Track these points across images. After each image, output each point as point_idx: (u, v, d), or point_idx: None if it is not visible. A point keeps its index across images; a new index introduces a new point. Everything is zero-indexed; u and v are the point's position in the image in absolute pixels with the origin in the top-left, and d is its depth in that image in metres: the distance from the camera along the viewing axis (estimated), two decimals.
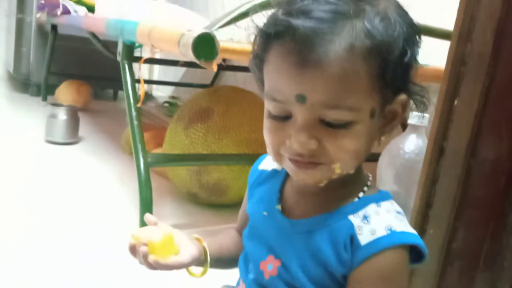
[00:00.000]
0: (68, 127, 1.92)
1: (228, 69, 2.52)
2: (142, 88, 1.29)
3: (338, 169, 0.44)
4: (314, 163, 0.44)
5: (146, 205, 1.16)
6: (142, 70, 2.47)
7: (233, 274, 0.57)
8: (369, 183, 0.49)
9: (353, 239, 0.45)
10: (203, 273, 0.57)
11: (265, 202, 0.52)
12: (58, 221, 1.19)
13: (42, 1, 2.55)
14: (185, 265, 0.53)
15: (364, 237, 0.44)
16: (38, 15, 2.67)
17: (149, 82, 3.34)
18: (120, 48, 1.30)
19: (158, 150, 1.55)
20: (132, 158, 1.23)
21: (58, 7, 2.37)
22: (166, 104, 2.83)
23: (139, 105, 1.25)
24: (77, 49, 2.82)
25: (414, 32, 0.45)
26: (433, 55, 0.95)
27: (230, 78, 2.72)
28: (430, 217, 0.69)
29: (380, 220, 0.45)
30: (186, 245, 0.54)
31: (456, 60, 0.66)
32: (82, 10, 2.37)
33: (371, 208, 0.46)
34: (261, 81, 0.47)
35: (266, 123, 0.46)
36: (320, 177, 0.45)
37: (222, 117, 1.33)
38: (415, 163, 1.01)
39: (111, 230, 1.17)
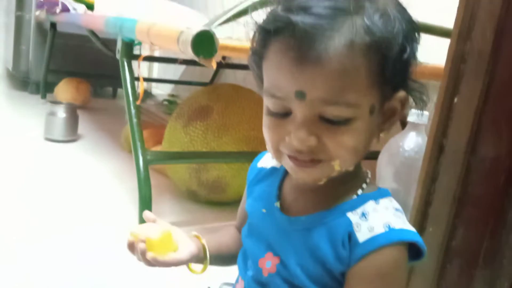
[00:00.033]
0: (67, 125, 1.92)
1: (227, 67, 2.51)
2: (141, 86, 1.28)
3: (337, 166, 0.44)
4: (313, 162, 0.44)
5: (145, 203, 1.16)
6: (142, 68, 2.47)
7: (232, 272, 0.57)
8: (368, 180, 0.49)
9: (351, 236, 0.45)
10: (203, 269, 0.57)
11: (264, 199, 0.52)
12: (57, 219, 1.19)
13: None
14: (183, 262, 0.53)
15: (362, 235, 0.44)
16: (37, 12, 2.66)
17: (148, 80, 3.34)
18: (119, 45, 1.30)
19: (157, 148, 1.55)
20: (131, 156, 1.23)
21: (57, 5, 2.37)
22: (165, 102, 2.82)
23: (138, 102, 1.25)
24: (76, 47, 2.81)
25: (413, 28, 0.45)
26: (432, 53, 0.95)
27: (230, 76, 2.72)
28: (430, 215, 0.68)
29: (378, 217, 0.45)
30: (185, 242, 0.54)
31: (456, 58, 0.66)
32: (81, 8, 2.36)
33: (369, 205, 0.46)
34: (260, 78, 0.47)
35: (265, 120, 0.46)
36: (319, 175, 0.45)
37: (221, 115, 1.33)
38: (414, 161, 1.01)
39: (111, 228, 1.17)
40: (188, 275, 0.58)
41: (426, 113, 1.04)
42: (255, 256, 0.51)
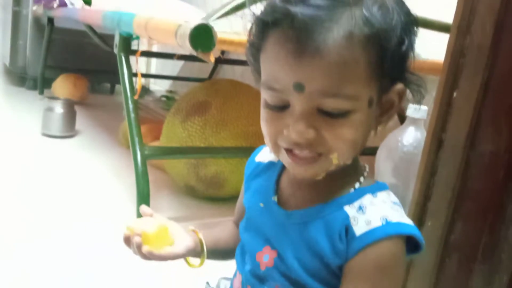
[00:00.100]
0: (64, 121, 1.91)
1: (225, 63, 2.51)
2: (139, 81, 1.28)
3: (335, 159, 0.44)
4: (312, 158, 0.43)
5: (143, 198, 1.16)
6: (140, 64, 2.46)
7: (231, 267, 0.57)
8: (365, 174, 0.49)
9: (348, 229, 0.44)
10: (201, 263, 0.57)
11: (261, 193, 0.52)
12: (55, 215, 1.19)
13: None
14: (179, 256, 0.53)
15: (359, 228, 0.44)
16: (35, 8, 2.65)
17: (146, 76, 3.33)
18: (116, 40, 1.29)
19: (156, 143, 1.54)
20: (129, 152, 1.22)
21: (55, 0, 2.36)
22: (163, 98, 2.82)
23: (136, 97, 1.25)
24: (74, 42, 2.80)
25: (411, 21, 0.44)
26: (431, 48, 0.95)
27: (228, 72, 2.71)
28: (429, 210, 0.68)
29: (376, 211, 0.45)
30: (181, 237, 0.54)
31: (456, 52, 0.66)
32: (79, 3, 2.35)
33: (366, 199, 0.46)
34: (257, 71, 0.47)
35: (263, 113, 0.45)
36: (318, 171, 0.45)
37: (219, 110, 1.33)
38: (413, 156, 1.00)
39: (108, 224, 1.16)
40: (187, 270, 0.58)
41: (425, 107, 1.04)
42: (252, 250, 0.51)
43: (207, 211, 1.34)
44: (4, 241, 1.02)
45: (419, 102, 0.48)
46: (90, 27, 2.24)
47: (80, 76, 2.59)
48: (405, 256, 0.45)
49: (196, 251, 0.56)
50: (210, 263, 0.58)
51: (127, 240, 0.52)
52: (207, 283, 0.61)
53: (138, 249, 0.50)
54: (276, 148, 0.46)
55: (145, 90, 3.11)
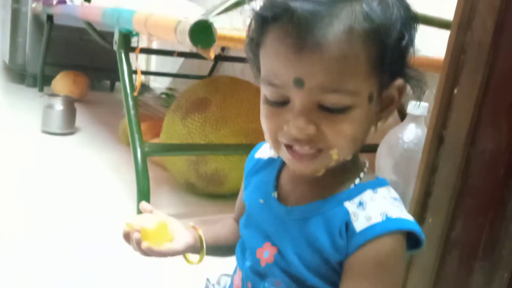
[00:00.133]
0: (64, 118, 1.91)
1: (225, 60, 2.50)
2: (138, 78, 1.28)
3: (335, 155, 0.43)
4: (312, 154, 0.43)
5: (144, 195, 1.15)
6: (140, 62, 2.45)
7: (231, 263, 0.57)
8: (365, 169, 0.49)
9: (348, 225, 0.44)
10: (200, 260, 0.56)
11: (261, 190, 0.52)
12: (54, 212, 1.19)
13: None
14: (179, 252, 0.53)
15: (360, 224, 0.44)
16: (34, 5, 2.64)
17: (146, 73, 3.32)
18: (116, 37, 1.29)
19: (156, 141, 1.54)
20: (129, 149, 1.22)
21: None
22: (163, 96, 2.81)
23: (135, 94, 1.24)
24: (74, 39, 2.80)
25: (411, 16, 0.44)
26: (430, 45, 0.94)
27: (228, 69, 2.71)
28: (429, 206, 0.68)
29: (376, 207, 0.44)
30: (181, 233, 0.54)
31: (456, 48, 0.65)
32: (78, 0, 2.35)
33: (367, 195, 0.46)
34: (256, 67, 0.46)
35: (263, 109, 0.45)
36: (318, 167, 0.45)
37: (219, 107, 1.33)
38: (414, 153, 1.00)
39: (108, 221, 1.16)
40: (187, 267, 0.58)
41: (425, 104, 1.04)
42: (253, 247, 0.51)
43: (207, 208, 1.34)
44: (4, 238, 1.02)
45: (419, 97, 0.47)
46: (90, 24, 2.23)
47: (79, 73, 2.59)
48: (405, 252, 0.45)
49: (196, 248, 0.56)
50: (210, 260, 0.58)
51: (127, 237, 0.52)
52: (208, 279, 0.61)
53: (138, 245, 0.50)
54: (276, 144, 0.46)
55: (145, 87, 3.10)
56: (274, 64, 0.42)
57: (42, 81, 2.71)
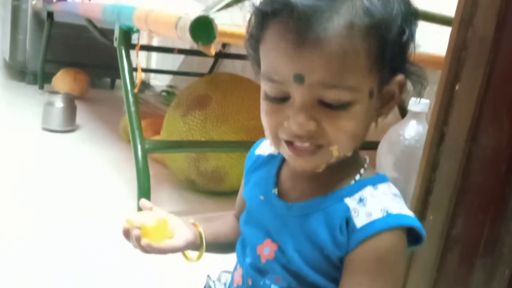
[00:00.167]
0: (65, 115, 1.91)
1: (226, 57, 2.50)
2: (139, 75, 1.27)
3: (335, 152, 0.43)
4: (312, 150, 0.43)
5: (144, 192, 1.15)
6: (140, 59, 2.45)
7: (231, 260, 0.57)
8: (365, 165, 0.48)
9: (349, 222, 0.44)
10: (199, 257, 0.56)
11: (261, 186, 0.52)
12: (55, 210, 1.19)
13: None
14: (179, 249, 0.53)
15: (360, 220, 0.44)
16: (34, 2, 2.64)
17: (147, 70, 3.32)
18: (116, 33, 1.29)
19: (156, 138, 1.54)
20: (129, 146, 1.22)
21: None
22: (163, 93, 2.81)
23: (135, 90, 1.24)
24: (74, 37, 2.80)
25: (411, 11, 0.44)
26: (432, 42, 0.94)
27: (228, 66, 2.70)
28: (430, 203, 0.68)
29: (376, 203, 0.44)
30: (181, 230, 0.54)
31: (458, 45, 0.65)
32: None
33: (367, 191, 0.46)
34: (256, 63, 0.46)
35: (263, 105, 0.45)
36: (318, 163, 0.45)
37: (220, 104, 1.32)
38: (415, 150, 1.00)
39: (109, 218, 1.16)
40: (187, 264, 0.57)
41: (426, 101, 1.03)
42: (253, 243, 0.50)
43: (208, 205, 1.34)
44: (5, 235, 1.02)
45: (419, 93, 0.47)
46: (90, 21, 2.23)
47: (80, 71, 2.59)
48: (406, 248, 0.45)
49: (196, 244, 0.55)
50: (211, 257, 0.58)
51: (126, 233, 0.51)
52: (208, 276, 0.61)
53: (137, 242, 0.50)
54: (276, 140, 0.46)
55: (146, 85, 3.10)
56: (274, 59, 0.42)
57: (42, 79, 2.71)
